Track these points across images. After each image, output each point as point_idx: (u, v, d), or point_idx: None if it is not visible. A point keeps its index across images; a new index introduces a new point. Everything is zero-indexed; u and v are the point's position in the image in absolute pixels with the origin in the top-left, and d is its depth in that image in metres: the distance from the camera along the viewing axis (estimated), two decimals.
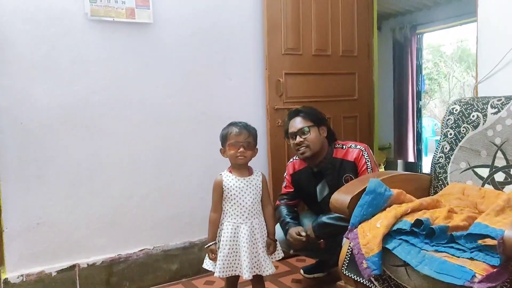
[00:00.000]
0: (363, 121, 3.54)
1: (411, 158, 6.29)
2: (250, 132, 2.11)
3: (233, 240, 2.07)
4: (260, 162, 2.88)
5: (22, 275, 2.38)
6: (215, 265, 2.08)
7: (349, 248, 1.88)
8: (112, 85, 2.58)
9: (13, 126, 2.35)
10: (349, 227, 1.85)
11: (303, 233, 2.35)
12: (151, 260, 2.74)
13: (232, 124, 2.13)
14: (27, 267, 2.41)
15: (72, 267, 2.51)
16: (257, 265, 2.10)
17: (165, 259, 2.79)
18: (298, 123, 2.45)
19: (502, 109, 2.10)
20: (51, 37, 2.40)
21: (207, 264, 2.15)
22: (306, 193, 2.59)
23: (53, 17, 2.40)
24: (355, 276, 1.85)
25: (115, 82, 2.59)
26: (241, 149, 2.07)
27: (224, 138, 2.12)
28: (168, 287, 2.76)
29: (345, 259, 1.89)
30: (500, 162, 2.06)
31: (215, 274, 2.07)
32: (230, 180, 2.11)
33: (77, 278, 2.52)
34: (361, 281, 1.82)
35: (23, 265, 2.41)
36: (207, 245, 2.11)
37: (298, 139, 2.42)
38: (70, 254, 2.52)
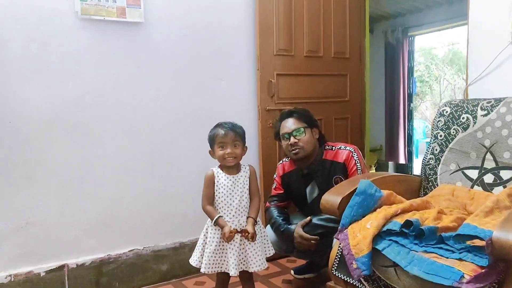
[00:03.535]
0: (355, 122, 3.55)
1: (402, 160, 6.32)
2: (236, 132, 2.10)
3: (220, 237, 2.07)
4: (251, 163, 2.83)
5: (10, 275, 2.36)
6: (201, 261, 2.09)
7: (339, 248, 1.88)
8: (103, 85, 2.57)
9: (2, 125, 2.32)
10: (339, 228, 1.86)
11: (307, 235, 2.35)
12: (141, 261, 2.72)
13: (218, 126, 2.12)
14: (15, 267, 2.39)
15: (61, 267, 2.50)
16: (244, 261, 2.10)
17: (155, 259, 2.78)
18: (291, 124, 2.45)
19: (492, 111, 2.12)
20: (41, 36, 2.38)
21: (193, 260, 2.14)
22: (296, 194, 2.59)
23: (43, 16, 2.38)
24: (345, 277, 1.85)
25: (106, 82, 2.58)
26: (228, 151, 2.06)
27: (211, 140, 2.12)
28: None
29: (335, 260, 1.90)
30: (489, 164, 2.08)
31: (201, 270, 2.08)
32: (220, 177, 2.12)
33: (66, 278, 2.50)
34: (351, 282, 1.82)
35: (12, 265, 2.38)
36: (214, 220, 2.05)
37: (292, 139, 2.41)
38: (59, 255, 2.50)
